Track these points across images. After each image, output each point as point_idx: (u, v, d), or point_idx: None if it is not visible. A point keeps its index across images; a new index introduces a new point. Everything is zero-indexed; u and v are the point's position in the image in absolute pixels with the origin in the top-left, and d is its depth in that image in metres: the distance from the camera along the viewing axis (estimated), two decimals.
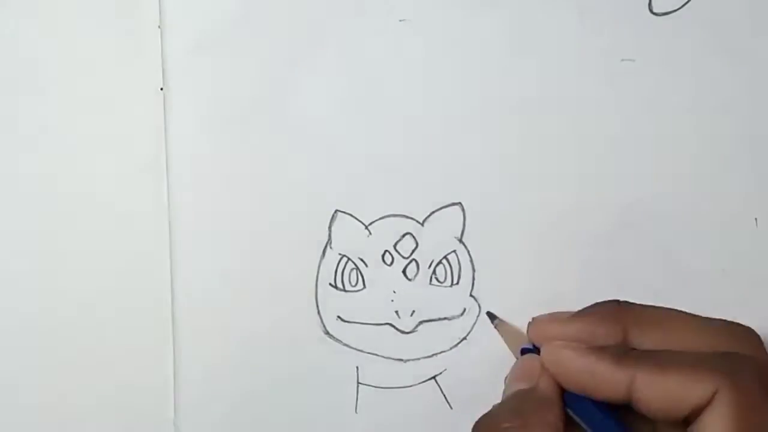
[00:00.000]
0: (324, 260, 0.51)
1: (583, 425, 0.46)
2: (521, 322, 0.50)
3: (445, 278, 0.51)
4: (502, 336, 0.50)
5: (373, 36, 0.51)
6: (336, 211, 0.51)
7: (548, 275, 0.51)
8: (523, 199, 0.51)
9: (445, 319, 0.51)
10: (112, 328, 0.49)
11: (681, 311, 0.47)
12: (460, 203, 0.51)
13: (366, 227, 0.51)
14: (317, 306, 0.51)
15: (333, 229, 0.51)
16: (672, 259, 0.51)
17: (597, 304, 0.48)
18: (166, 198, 0.49)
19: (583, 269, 0.51)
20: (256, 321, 0.50)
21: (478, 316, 0.51)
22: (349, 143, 0.51)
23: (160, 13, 0.49)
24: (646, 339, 0.46)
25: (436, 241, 0.51)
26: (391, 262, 0.51)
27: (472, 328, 0.51)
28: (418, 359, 0.51)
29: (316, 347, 0.50)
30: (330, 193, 0.51)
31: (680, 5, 0.51)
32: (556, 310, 0.50)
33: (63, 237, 0.49)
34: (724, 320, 0.47)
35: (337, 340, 0.51)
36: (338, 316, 0.51)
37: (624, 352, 0.45)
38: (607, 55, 0.51)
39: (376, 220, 0.51)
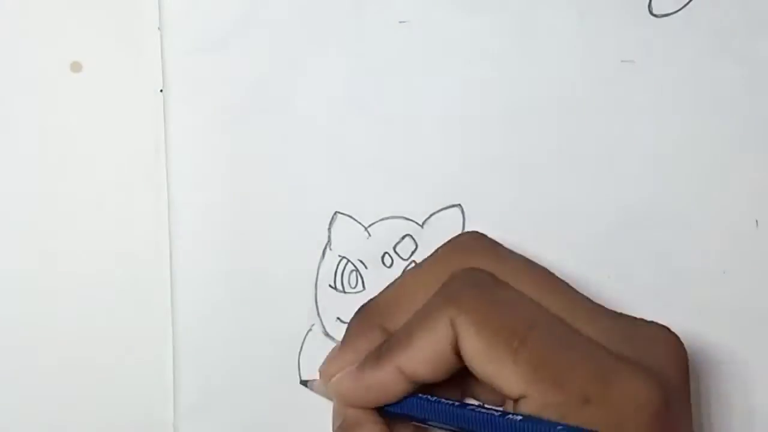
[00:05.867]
0: (324, 262, 0.51)
1: (423, 421, 0.46)
2: None
3: None
4: (320, 395, 0.49)
5: (372, 37, 0.51)
6: (336, 212, 0.51)
7: None
8: (522, 201, 0.51)
9: None
10: (111, 328, 0.49)
11: (413, 267, 0.48)
12: (459, 205, 0.51)
13: (365, 229, 0.51)
14: (317, 307, 0.50)
15: (333, 230, 0.51)
16: (672, 260, 0.51)
17: (351, 319, 0.48)
18: (166, 198, 0.49)
19: (583, 270, 0.51)
20: (256, 322, 0.50)
21: None
22: (348, 145, 0.51)
23: (159, 14, 0.50)
24: (398, 319, 0.46)
25: (435, 243, 0.51)
26: (391, 264, 0.51)
27: None
28: None
29: (315, 348, 0.50)
30: (330, 194, 0.51)
31: (680, 7, 0.51)
32: None
33: (63, 237, 0.49)
34: (447, 242, 0.47)
35: (336, 341, 0.51)
36: (338, 318, 0.51)
37: (381, 349, 0.45)
38: (607, 56, 0.51)
39: (376, 222, 0.51)
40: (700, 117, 0.51)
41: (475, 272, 0.44)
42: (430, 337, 0.43)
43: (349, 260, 0.51)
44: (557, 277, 0.46)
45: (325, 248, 0.51)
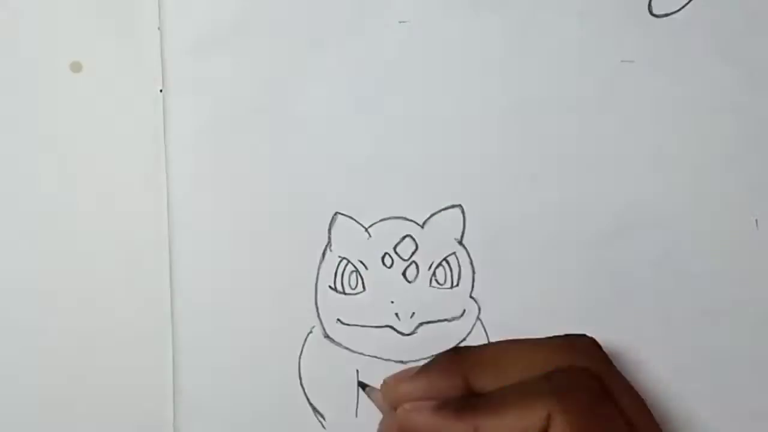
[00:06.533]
0: (324, 263, 0.51)
1: None
2: (521, 325, 0.51)
3: (445, 280, 0.51)
4: (374, 403, 0.49)
5: (372, 37, 0.51)
6: (336, 213, 0.51)
7: (548, 277, 0.51)
8: (522, 201, 0.51)
9: (445, 320, 0.51)
10: (111, 328, 0.49)
11: (517, 341, 0.47)
12: (459, 205, 0.51)
13: (366, 229, 0.51)
14: (317, 308, 0.50)
15: (333, 231, 0.51)
16: (672, 260, 0.51)
17: (438, 355, 0.47)
18: (166, 199, 0.49)
19: (583, 270, 0.51)
20: (256, 323, 0.50)
21: (477, 317, 0.51)
22: (348, 145, 0.51)
23: (159, 15, 0.50)
24: (485, 380, 0.45)
25: (436, 243, 0.51)
26: (391, 265, 0.51)
27: (471, 329, 0.51)
28: (419, 361, 0.51)
29: (315, 350, 0.50)
30: (330, 195, 0.51)
31: (680, 7, 0.51)
32: (553, 313, 0.51)
33: (63, 237, 0.49)
34: (560, 336, 0.47)
35: (337, 342, 0.51)
36: (338, 319, 0.51)
37: (464, 403, 0.45)
38: (607, 56, 0.51)
39: (376, 223, 0.51)
40: (700, 117, 0.51)
41: (589, 377, 0.44)
42: (523, 418, 0.43)
43: (349, 261, 0.51)
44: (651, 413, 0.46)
45: (326, 249, 0.51)
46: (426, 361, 0.50)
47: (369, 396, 0.49)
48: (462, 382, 0.46)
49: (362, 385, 0.49)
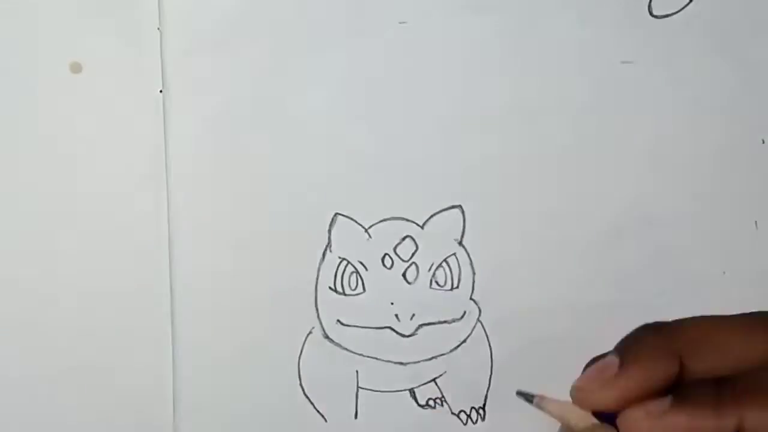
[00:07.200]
0: (324, 263, 0.51)
1: None
2: (521, 326, 0.51)
3: (445, 281, 0.51)
4: (551, 414, 0.40)
5: (372, 38, 0.51)
6: (336, 214, 0.51)
7: (548, 278, 0.51)
8: (523, 202, 0.51)
9: (444, 322, 0.51)
10: (111, 328, 0.49)
11: (720, 317, 0.40)
12: (460, 206, 0.51)
13: (366, 230, 0.51)
14: (317, 309, 0.50)
15: (333, 232, 0.51)
16: (672, 260, 0.51)
17: (635, 337, 0.39)
18: (166, 199, 0.49)
19: (583, 271, 0.51)
20: (256, 324, 0.50)
21: (477, 319, 0.51)
22: (348, 146, 0.51)
23: (159, 15, 0.49)
24: (702, 362, 0.38)
25: (436, 244, 0.51)
26: (391, 266, 0.51)
27: (472, 331, 0.51)
28: (418, 362, 0.51)
29: (315, 351, 0.50)
30: (330, 195, 0.51)
31: (680, 8, 0.51)
32: (553, 314, 0.50)
33: (63, 237, 0.49)
34: (753, 314, 0.40)
35: (336, 343, 0.51)
36: (338, 320, 0.51)
37: (717, 394, 0.37)
38: (606, 57, 0.51)
39: (376, 223, 0.51)
40: (699, 117, 0.51)
41: None
42: None
43: (349, 262, 0.51)
44: None
45: (325, 250, 0.51)
46: (427, 362, 0.51)
47: (541, 407, 0.40)
48: (678, 366, 0.38)
49: (526, 397, 0.41)
